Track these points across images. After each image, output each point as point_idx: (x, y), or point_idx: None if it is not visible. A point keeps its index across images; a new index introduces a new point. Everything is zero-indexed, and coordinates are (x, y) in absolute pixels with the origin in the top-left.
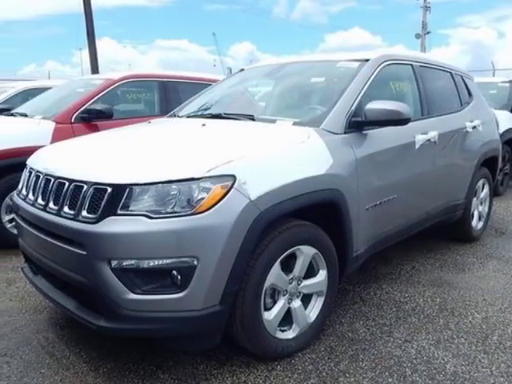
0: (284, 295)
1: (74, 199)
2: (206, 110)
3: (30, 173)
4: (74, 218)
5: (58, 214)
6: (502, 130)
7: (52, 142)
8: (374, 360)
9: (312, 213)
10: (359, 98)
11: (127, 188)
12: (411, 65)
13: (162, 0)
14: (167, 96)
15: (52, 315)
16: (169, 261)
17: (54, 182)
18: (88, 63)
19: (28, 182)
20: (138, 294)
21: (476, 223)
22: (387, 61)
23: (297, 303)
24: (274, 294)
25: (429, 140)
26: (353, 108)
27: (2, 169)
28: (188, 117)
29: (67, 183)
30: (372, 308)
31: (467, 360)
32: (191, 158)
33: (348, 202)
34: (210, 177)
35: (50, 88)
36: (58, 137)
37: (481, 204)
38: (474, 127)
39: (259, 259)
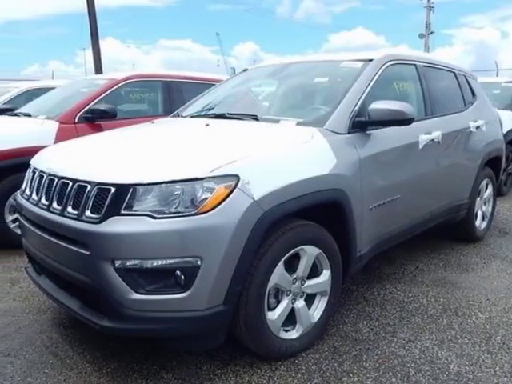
0: (287, 295)
1: (78, 199)
2: (209, 109)
3: (34, 173)
4: (78, 218)
5: (62, 213)
6: (505, 129)
7: (55, 142)
8: (377, 360)
9: (316, 213)
10: (363, 97)
11: (131, 188)
12: (415, 65)
13: (165, 0)
14: (171, 96)
15: (55, 315)
16: (172, 261)
17: (57, 182)
18: (91, 63)
19: (31, 182)
20: (142, 294)
21: (480, 223)
22: (391, 61)
23: (300, 303)
24: (278, 293)
25: (432, 140)
26: (356, 108)
27: (6, 169)
28: (191, 117)
29: (71, 183)
30: (375, 308)
31: (471, 360)
32: (195, 158)
33: (352, 201)
34: (213, 177)
35: (53, 88)
36: (61, 137)
37: (484, 204)
38: (478, 127)
39: (263, 259)
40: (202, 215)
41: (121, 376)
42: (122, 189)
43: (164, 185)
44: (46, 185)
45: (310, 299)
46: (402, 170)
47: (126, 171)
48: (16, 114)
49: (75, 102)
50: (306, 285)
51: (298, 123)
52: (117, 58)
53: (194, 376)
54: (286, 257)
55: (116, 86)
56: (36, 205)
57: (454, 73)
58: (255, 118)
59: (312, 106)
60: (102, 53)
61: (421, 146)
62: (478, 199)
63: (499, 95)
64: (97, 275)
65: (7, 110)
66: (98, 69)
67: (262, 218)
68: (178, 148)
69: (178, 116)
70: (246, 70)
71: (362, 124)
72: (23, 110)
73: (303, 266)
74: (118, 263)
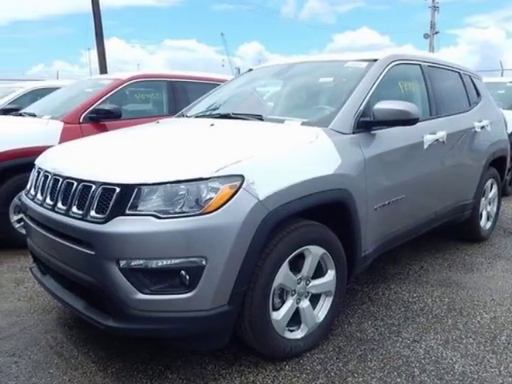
0: (292, 295)
1: (83, 199)
2: (214, 109)
3: (39, 173)
4: (83, 218)
5: (67, 213)
6: (510, 129)
7: (60, 142)
8: (382, 360)
9: (320, 213)
10: (368, 98)
11: (136, 188)
12: (420, 65)
13: (170, 0)
14: (176, 96)
15: (60, 315)
16: (177, 261)
17: (62, 182)
18: (96, 63)
19: (36, 182)
20: (147, 293)
21: (484, 223)
22: (395, 61)
23: (305, 303)
24: (283, 293)
25: (437, 140)
26: (361, 108)
27: (11, 169)
28: (196, 117)
29: (75, 183)
30: (380, 308)
31: (476, 360)
32: (200, 158)
33: (356, 201)
34: (218, 177)
35: (58, 88)
36: (66, 137)
37: (489, 204)
38: (483, 127)
39: (268, 259)
40: (207, 215)
41: (126, 376)
42: (127, 189)
43: (169, 185)
44: (50, 185)
45: (314, 299)
46: (407, 170)
47: (131, 171)
48: (21, 114)
49: (80, 102)
50: (310, 285)
51: (303, 123)
52: (122, 57)
53: (198, 376)
54: (290, 257)
55: (121, 86)
56: (41, 205)
57: (458, 73)
58: (260, 118)
59: (317, 106)
60: (106, 53)
61: (426, 146)
62: (483, 199)
63: (504, 95)
64: (101, 275)
65: (12, 110)
66: (103, 69)
67: (266, 218)
68: (182, 148)
69: (183, 116)
70: (250, 70)
71: (366, 124)
72: (28, 110)
73: (308, 266)
74: (122, 263)
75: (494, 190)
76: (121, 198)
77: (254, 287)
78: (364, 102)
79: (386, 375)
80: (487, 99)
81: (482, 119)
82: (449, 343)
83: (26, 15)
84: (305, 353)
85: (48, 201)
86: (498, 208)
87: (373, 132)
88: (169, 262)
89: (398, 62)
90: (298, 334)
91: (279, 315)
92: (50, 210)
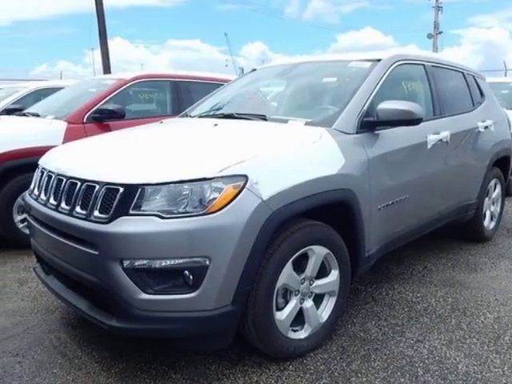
0: (296, 295)
1: (86, 199)
2: (217, 110)
3: (42, 173)
4: (86, 218)
5: (70, 213)
6: None
7: (64, 142)
8: (386, 360)
9: (324, 213)
10: (371, 98)
11: (139, 188)
12: (423, 65)
13: (174, 0)
14: (179, 96)
15: (64, 315)
16: (181, 261)
17: (65, 182)
18: (100, 63)
19: (40, 182)
20: (150, 294)
21: (488, 223)
22: (399, 61)
23: (309, 303)
24: (286, 293)
25: (441, 140)
26: (365, 108)
27: (14, 169)
28: (200, 117)
29: (79, 183)
30: (384, 308)
31: (479, 360)
32: (203, 157)
33: (360, 201)
34: (222, 177)
35: (61, 88)
36: (69, 137)
37: (493, 204)
38: (486, 127)
39: (271, 259)
40: (211, 215)
41: (129, 376)
42: (131, 189)
43: (172, 185)
44: (54, 185)
45: (318, 299)
46: (411, 170)
47: (135, 171)
48: (24, 114)
49: (84, 102)
50: (314, 285)
51: (307, 123)
52: (125, 58)
53: (202, 376)
54: (294, 257)
55: (124, 86)
56: (44, 205)
57: (462, 73)
58: (264, 118)
59: (320, 106)
60: (110, 53)
61: (429, 146)
62: (487, 199)
63: (507, 95)
64: (105, 275)
65: (16, 110)
66: (107, 69)
67: (270, 218)
68: (186, 148)
69: (187, 116)
70: (254, 69)
71: (370, 124)
72: (32, 109)
73: (312, 266)
74: (126, 263)
75: (498, 189)
76: (124, 198)
77: (258, 287)
78: (367, 102)
79: (389, 375)
80: (491, 99)
81: (486, 119)
82: (452, 343)
83: (29, 15)
84: (308, 353)
85: (52, 201)
86: (502, 208)
87: (376, 132)
88: (172, 262)
89: (401, 62)
90: (302, 334)
91: (283, 315)
92: (54, 209)
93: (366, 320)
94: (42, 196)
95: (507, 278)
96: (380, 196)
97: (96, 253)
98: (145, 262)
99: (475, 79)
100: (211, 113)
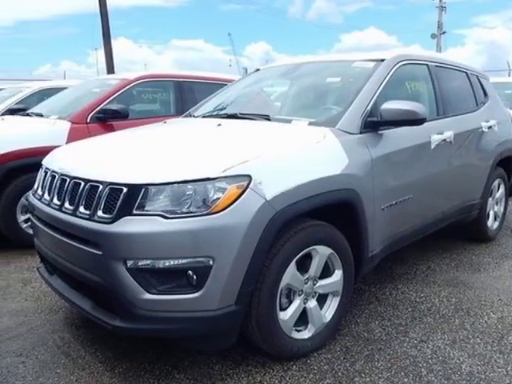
0: (299, 295)
1: (90, 199)
2: (221, 110)
3: (46, 173)
4: (90, 218)
5: (74, 213)
6: None
7: (67, 142)
8: (389, 360)
9: (328, 213)
10: (375, 98)
11: (143, 188)
12: (427, 65)
13: (177, 0)
14: (183, 96)
15: (67, 315)
16: (184, 261)
17: (69, 182)
18: (103, 63)
19: (43, 182)
20: (154, 293)
21: (491, 223)
22: (403, 61)
23: (312, 303)
24: (290, 293)
25: (444, 140)
26: (368, 108)
27: (18, 169)
28: (203, 117)
29: (83, 183)
30: (387, 308)
31: (483, 360)
32: (207, 158)
33: (364, 201)
34: (225, 177)
35: (65, 88)
36: (73, 137)
37: (496, 204)
38: (490, 127)
39: (275, 259)
40: (214, 215)
41: (133, 376)
42: (134, 189)
43: (176, 185)
44: (57, 185)
45: (321, 299)
46: (414, 170)
47: (138, 171)
48: (28, 114)
49: (87, 102)
50: (318, 285)
51: (310, 123)
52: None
53: (205, 376)
54: (297, 257)
55: (128, 86)
56: (48, 205)
57: (466, 73)
58: (267, 118)
59: (324, 106)
60: (114, 53)
61: (433, 146)
62: (490, 199)
63: (511, 95)
64: (109, 275)
65: (19, 110)
66: (110, 69)
67: (274, 218)
68: (189, 148)
69: (190, 116)
70: (258, 70)
71: (374, 124)
72: (35, 109)
73: (315, 266)
74: (129, 263)
75: (502, 189)
76: (128, 198)
77: (262, 287)
78: (371, 102)
79: (393, 375)
80: (494, 99)
81: (489, 119)
82: (456, 343)
83: (33, 15)
84: (312, 353)
85: (55, 201)
86: (506, 208)
87: (380, 132)
88: (176, 261)
89: (405, 62)
90: (305, 334)
91: (286, 315)
92: (57, 209)
93: (370, 320)
94: (46, 196)
95: (511, 278)
96: (384, 196)
97: (99, 253)
98: (148, 262)
99: (479, 79)
100: (215, 113)
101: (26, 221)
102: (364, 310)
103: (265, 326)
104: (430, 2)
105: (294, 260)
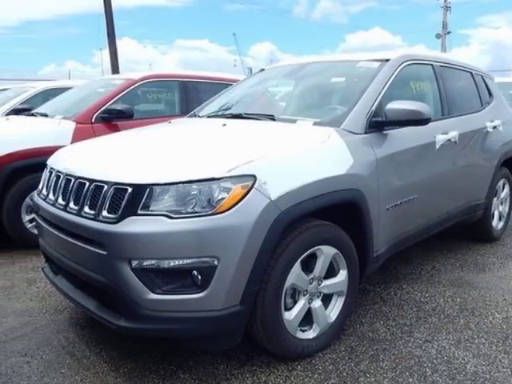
0: (304, 295)
1: (95, 199)
2: (226, 110)
3: (51, 173)
4: (95, 218)
5: (79, 213)
6: None
7: (72, 142)
8: (394, 360)
9: (332, 213)
10: (380, 98)
11: (148, 188)
12: (431, 65)
13: (182, 0)
14: (188, 96)
15: (72, 315)
16: (189, 261)
17: (74, 182)
18: (108, 63)
19: (48, 182)
20: (159, 293)
21: (496, 223)
22: (407, 61)
23: (317, 303)
24: (295, 293)
25: (449, 140)
26: (373, 108)
27: (23, 169)
28: (208, 117)
29: (88, 183)
30: (392, 308)
31: (488, 360)
32: (212, 157)
33: (368, 201)
34: (230, 177)
35: (70, 88)
36: (78, 137)
37: (501, 204)
38: (495, 127)
39: (280, 259)
40: (219, 215)
41: (138, 376)
42: (139, 189)
43: (181, 185)
44: (62, 185)
45: (326, 299)
46: (419, 170)
47: (143, 171)
48: (33, 114)
49: (92, 102)
50: (322, 285)
51: (315, 123)
52: (134, 58)
53: (210, 376)
54: (302, 257)
55: (133, 86)
56: (53, 205)
57: (470, 73)
58: (272, 118)
59: (329, 106)
60: (118, 53)
61: (438, 146)
62: (495, 199)
63: None
64: (113, 275)
65: (24, 110)
66: (115, 69)
67: (278, 218)
68: (194, 148)
69: (195, 116)
70: (262, 70)
71: (378, 124)
72: (40, 110)
73: (320, 266)
74: (134, 263)
75: (506, 189)
76: (133, 198)
77: (266, 287)
78: (376, 102)
79: (398, 375)
80: (499, 99)
81: (494, 119)
82: (461, 343)
83: (37, 15)
84: (317, 353)
85: (60, 201)
86: (510, 208)
87: (385, 132)
88: (181, 262)
89: (410, 62)
90: (310, 334)
91: (291, 315)
92: (62, 209)
93: (375, 320)
94: (51, 196)
95: None
96: (388, 196)
97: (104, 253)
98: (153, 262)
99: (483, 79)
100: (220, 113)
101: (31, 221)
102: (369, 309)
103: (270, 326)
104: (434, 2)
105: (299, 260)
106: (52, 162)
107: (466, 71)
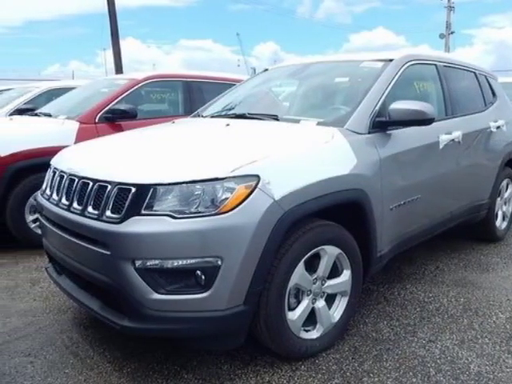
0: (308, 295)
1: (98, 199)
2: (229, 109)
3: (54, 173)
4: (98, 218)
5: (82, 213)
6: None
7: (76, 142)
8: (398, 360)
9: (336, 213)
10: (383, 98)
11: (151, 188)
12: (435, 65)
13: (186, 0)
14: (191, 96)
15: (76, 315)
16: (193, 261)
17: (77, 182)
18: (112, 63)
19: (52, 182)
20: (162, 293)
21: (500, 223)
22: (411, 61)
23: (321, 303)
24: (298, 293)
25: (453, 140)
26: (377, 108)
27: (26, 169)
28: (212, 117)
29: (91, 183)
30: (396, 308)
31: (491, 360)
32: (215, 157)
33: (372, 201)
34: (234, 177)
35: (73, 88)
36: (81, 137)
37: (505, 204)
38: (498, 127)
39: (283, 259)
40: (223, 215)
41: (141, 376)
42: (143, 189)
43: (184, 185)
44: (66, 185)
45: (330, 299)
46: (423, 170)
47: (147, 171)
48: (36, 114)
49: (96, 102)
50: (326, 285)
51: (319, 123)
52: (137, 58)
53: (214, 376)
54: (306, 257)
55: (136, 86)
56: (56, 205)
57: (474, 73)
58: (276, 118)
59: (332, 106)
60: (122, 53)
61: (441, 146)
62: (499, 199)
63: None
64: (117, 275)
65: (28, 110)
66: (119, 69)
67: (282, 218)
68: (198, 148)
69: (199, 116)
70: (266, 70)
71: (382, 124)
72: (44, 110)
73: (324, 266)
74: (138, 263)
75: (510, 189)
76: (136, 198)
77: (270, 287)
78: (380, 102)
79: (401, 375)
80: (503, 99)
81: (498, 119)
82: (464, 343)
83: (41, 15)
84: (320, 353)
85: (63, 201)
86: None
87: (388, 132)
88: (184, 262)
89: (413, 62)
90: (314, 334)
91: (295, 315)
92: (66, 209)
93: (378, 320)
94: (54, 196)
95: None
96: (392, 196)
97: (108, 253)
98: (157, 262)
99: (487, 79)
100: (223, 113)
101: (35, 221)
102: (372, 309)
103: (273, 326)
104: (438, 1)
105: (303, 260)
106: (55, 161)
107: (469, 71)
